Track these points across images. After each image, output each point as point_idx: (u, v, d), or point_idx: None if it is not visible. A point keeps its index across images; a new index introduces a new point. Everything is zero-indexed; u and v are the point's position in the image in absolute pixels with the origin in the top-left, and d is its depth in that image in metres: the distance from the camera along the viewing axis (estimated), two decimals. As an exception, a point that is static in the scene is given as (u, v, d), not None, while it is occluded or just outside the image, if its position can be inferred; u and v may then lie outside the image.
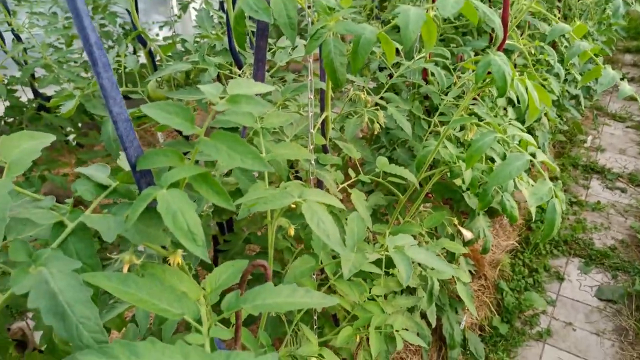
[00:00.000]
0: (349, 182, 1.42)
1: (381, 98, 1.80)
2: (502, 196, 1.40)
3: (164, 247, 0.75)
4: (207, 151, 0.66)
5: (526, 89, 1.21)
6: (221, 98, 0.70)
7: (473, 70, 1.31)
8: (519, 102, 1.27)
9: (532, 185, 1.08)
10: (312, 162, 1.27)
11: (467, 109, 1.65)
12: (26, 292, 0.57)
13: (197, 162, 0.72)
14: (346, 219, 1.17)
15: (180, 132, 1.88)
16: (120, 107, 0.66)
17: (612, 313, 2.61)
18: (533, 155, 1.12)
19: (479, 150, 1.14)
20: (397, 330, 1.21)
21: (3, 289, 0.63)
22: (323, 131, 1.47)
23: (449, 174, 1.49)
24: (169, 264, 0.77)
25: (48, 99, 2.78)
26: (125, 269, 0.68)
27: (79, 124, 2.96)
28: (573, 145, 4.19)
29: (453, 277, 1.62)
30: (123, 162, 0.79)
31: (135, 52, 3.45)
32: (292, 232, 1.03)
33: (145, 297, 0.61)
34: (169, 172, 0.65)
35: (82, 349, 0.53)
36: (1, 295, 0.63)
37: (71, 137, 3.05)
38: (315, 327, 1.46)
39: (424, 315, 1.78)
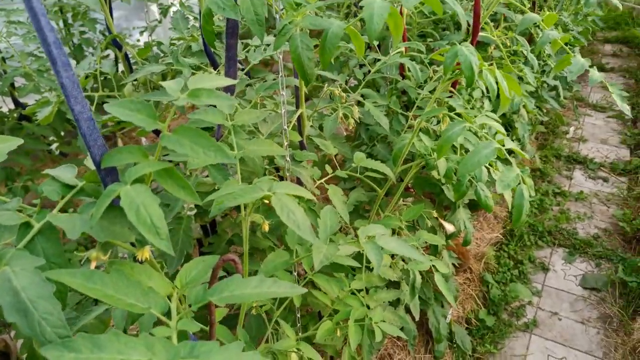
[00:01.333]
0: (327, 177, 1.43)
1: (359, 94, 1.81)
2: (477, 186, 1.42)
3: (133, 245, 0.76)
4: (171, 146, 0.67)
5: (495, 79, 1.23)
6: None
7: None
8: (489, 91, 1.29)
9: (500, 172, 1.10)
10: (288, 158, 1.28)
11: (443, 102, 1.67)
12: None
13: (174, 164, 0.73)
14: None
15: (156, 133, 1.88)
16: (82, 105, 0.67)
17: (597, 301, 2.64)
18: (502, 143, 1.14)
19: (448, 140, 1.16)
20: (376, 323, 1.22)
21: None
22: (300, 128, 1.48)
23: (425, 166, 1.51)
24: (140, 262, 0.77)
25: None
26: (92, 266, 0.68)
27: (62, 133, 2.95)
28: (555, 137, 4.24)
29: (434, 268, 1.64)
30: (89, 161, 0.79)
31: (116, 60, 3.44)
32: (266, 227, 1.03)
33: (111, 292, 0.62)
34: (133, 168, 0.66)
35: (45, 344, 0.54)
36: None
37: (54, 146, 3.03)
38: (299, 324, 1.47)
39: (409, 310, 1.79)
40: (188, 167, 0.96)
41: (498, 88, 1.27)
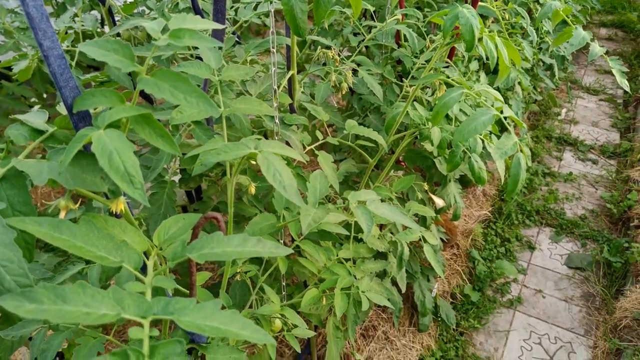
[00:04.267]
0: (317, 144, 1.38)
1: (352, 62, 1.75)
2: (470, 157, 1.39)
3: (107, 197, 0.71)
4: (149, 89, 0.62)
5: (495, 45, 1.18)
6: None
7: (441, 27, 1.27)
8: (488, 59, 1.24)
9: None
10: (277, 121, 1.23)
11: (439, 72, 1.62)
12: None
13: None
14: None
15: (145, 97, 1.81)
16: (52, 40, 0.61)
17: (581, 280, 2.66)
18: (500, 111, 1.10)
19: (445, 106, 1.12)
20: (363, 292, 1.19)
21: None
22: (290, 92, 1.42)
23: (419, 136, 1.47)
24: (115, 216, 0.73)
25: (10, 68, 2.66)
26: (62, 216, 0.63)
27: (44, 95, 2.85)
28: (547, 118, 4.22)
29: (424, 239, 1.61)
30: (61, 107, 0.74)
31: (102, 21, 3.31)
32: (252, 189, 0.99)
33: (80, 243, 0.57)
34: (107, 112, 0.61)
35: (4, 293, 0.49)
36: None
37: (36, 108, 2.93)
38: (284, 293, 1.44)
39: (395, 283, 1.77)
40: (171, 122, 0.90)
41: (498, 56, 1.22)
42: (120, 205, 0.67)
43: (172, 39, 0.63)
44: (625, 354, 2.17)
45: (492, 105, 1.27)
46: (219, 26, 0.70)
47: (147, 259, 0.69)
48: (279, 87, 1.19)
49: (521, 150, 1.04)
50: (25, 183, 0.63)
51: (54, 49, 0.61)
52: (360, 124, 1.99)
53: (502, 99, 1.18)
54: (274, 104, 1.19)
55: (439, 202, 1.85)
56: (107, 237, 0.60)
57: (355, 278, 1.32)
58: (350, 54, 2.29)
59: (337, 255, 1.31)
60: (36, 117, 0.70)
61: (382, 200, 1.50)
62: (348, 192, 1.61)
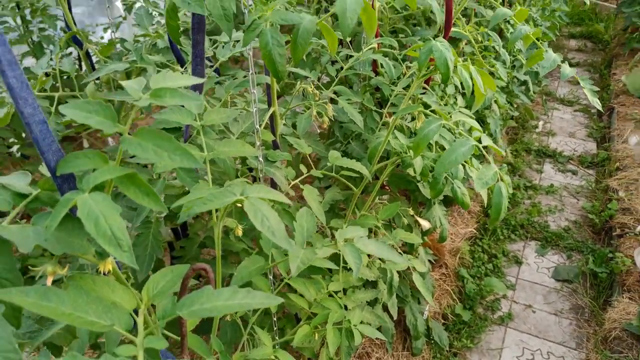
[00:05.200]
0: (302, 177, 1.39)
1: (333, 92, 1.78)
2: (453, 183, 1.41)
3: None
4: (132, 150, 0.62)
5: (470, 75, 1.21)
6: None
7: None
8: (464, 87, 1.27)
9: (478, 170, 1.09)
10: (261, 159, 1.24)
11: (417, 99, 1.65)
12: None
13: (142, 166, 0.68)
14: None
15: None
16: (33, 107, 0.61)
17: (569, 292, 2.69)
18: (479, 140, 1.12)
19: (425, 138, 1.14)
20: (354, 325, 1.19)
21: None
22: (272, 127, 1.43)
23: (401, 164, 1.49)
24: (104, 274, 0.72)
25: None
26: (49, 282, 0.63)
27: (23, 135, 2.82)
28: (525, 131, 4.30)
29: (412, 267, 1.62)
30: (44, 168, 0.74)
31: (79, 59, 3.31)
32: (239, 232, 0.99)
33: (69, 310, 0.57)
34: (92, 174, 0.61)
35: (-7, 373, 0.49)
36: None
37: (15, 148, 2.89)
38: (276, 328, 1.43)
39: (386, 308, 1.77)
40: (155, 171, 0.91)
41: (473, 84, 1.26)
42: (108, 265, 0.67)
43: (153, 99, 0.64)
44: (617, 364, 2.19)
45: (470, 133, 1.30)
46: (199, 81, 0.71)
47: (137, 314, 0.69)
48: (260, 125, 1.20)
49: (501, 179, 1.06)
50: (10, 249, 0.62)
51: (35, 116, 0.61)
52: (342, 151, 2.01)
53: (479, 127, 1.21)
54: (257, 142, 1.20)
55: (425, 224, 1.86)
56: (96, 300, 0.60)
57: (346, 309, 1.32)
58: (329, 79, 2.32)
59: (327, 289, 1.31)
60: (19, 180, 0.69)
61: (369, 230, 1.51)
62: (336, 221, 1.62)
